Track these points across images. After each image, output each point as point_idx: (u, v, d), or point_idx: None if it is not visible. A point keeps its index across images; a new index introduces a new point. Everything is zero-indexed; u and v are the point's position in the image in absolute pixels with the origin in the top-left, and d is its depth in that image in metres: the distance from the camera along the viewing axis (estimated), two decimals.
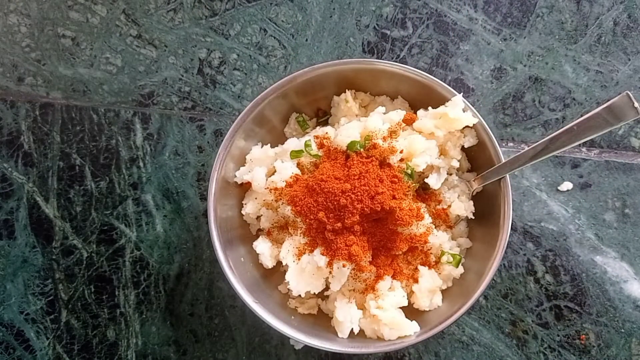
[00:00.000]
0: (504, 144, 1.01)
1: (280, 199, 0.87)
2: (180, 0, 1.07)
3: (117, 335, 0.99)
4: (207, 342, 0.98)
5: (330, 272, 0.83)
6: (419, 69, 0.88)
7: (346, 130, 0.87)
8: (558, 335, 0.95)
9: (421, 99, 0.91)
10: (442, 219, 0.89)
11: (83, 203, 1.03)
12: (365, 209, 0.80)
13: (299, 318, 0.89)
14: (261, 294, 0.87)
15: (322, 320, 0.89)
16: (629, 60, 1.01)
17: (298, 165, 0.89)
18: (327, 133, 0.90)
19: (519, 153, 0.81)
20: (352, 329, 0.84)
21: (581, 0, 1.03)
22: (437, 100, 0.88)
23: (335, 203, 0.81)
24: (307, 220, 0.83)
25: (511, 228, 0.83)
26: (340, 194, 0.80)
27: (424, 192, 0.89)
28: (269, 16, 1.06)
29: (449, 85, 0.88)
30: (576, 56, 1.02)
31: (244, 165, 0.92)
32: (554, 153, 0.77)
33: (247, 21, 1.06)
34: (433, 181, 0.87)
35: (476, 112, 0.86)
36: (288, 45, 1.06)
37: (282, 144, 0.92)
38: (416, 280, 0.86)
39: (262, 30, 1.06)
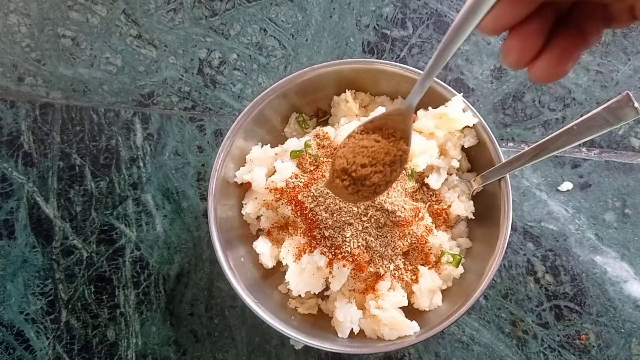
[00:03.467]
0: (504, 144, 1.01)
1: (280, 199, 0.87)
2: (180, 0, 1.07)
3: (117, 335, 0.99)
4: (207, 342, 0.98)
5: (330, 272, 0.83)
6: (419, 69, 0.88)
7: (346, 130, 0.87)
8: (558, 335, 0.95)
9: (421, 99, 0.91)
10: (442, 219, 0.89)
11: (83, 203, 1.03)
12: (366, 209, 0.80)
13: (299, 318, 0.89)
14: (261, 294, 0.87)
15: (322, 320, 0.89)
16: (629, 60, 1.01)
17: (298, 165, 0.89)
18: (327, 133, 0.90)
19: (519, 153, 0.81)
20: (352, 329, 0.84)
21: None
22: (437, 100, 0.88)
23: (335, 203, 0.81)
24: (307, 220, 0.83)
25: (511, 228, 0.83)
26: None
27: (424, 192, 0.89)
28: (269, 16, 1.06)
29: (449, 85, 0.88)
30: None
31: (244, 165, 0.92)
32: (554, 153, 0.77)
33: (247, 21, 1.06)
34: (433, 181, 0.87)
35: (476, 112, 0.86)
36: (288, 45, 1.06)
37: (282, 144, 0.92)
38: (416, 280, 0.86)
39: (262, 30, 1.06)
